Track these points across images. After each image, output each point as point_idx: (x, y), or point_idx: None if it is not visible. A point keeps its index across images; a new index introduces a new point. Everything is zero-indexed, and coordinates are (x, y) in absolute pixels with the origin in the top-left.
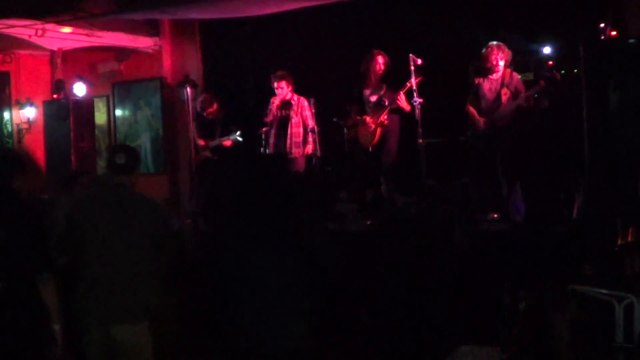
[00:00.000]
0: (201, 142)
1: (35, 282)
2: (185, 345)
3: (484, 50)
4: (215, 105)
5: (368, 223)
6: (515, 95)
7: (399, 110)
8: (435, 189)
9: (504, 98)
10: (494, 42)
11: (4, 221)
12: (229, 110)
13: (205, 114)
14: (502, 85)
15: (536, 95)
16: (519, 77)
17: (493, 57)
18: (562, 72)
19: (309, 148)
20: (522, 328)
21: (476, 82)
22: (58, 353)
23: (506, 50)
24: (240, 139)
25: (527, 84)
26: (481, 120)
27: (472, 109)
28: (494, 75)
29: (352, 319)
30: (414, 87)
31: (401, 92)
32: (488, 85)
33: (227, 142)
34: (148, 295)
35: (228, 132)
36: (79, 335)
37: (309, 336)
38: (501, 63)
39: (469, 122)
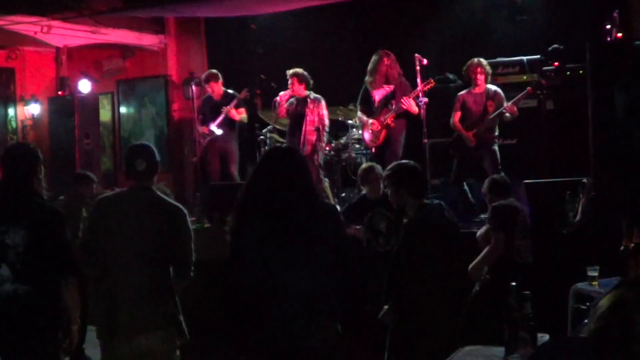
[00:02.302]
0: (205, 130)
1: (59, 286)
2: (210, 346)
3: (466, 66)
4: (220, 82)
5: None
6: (498, 107)
7: (406, 112)
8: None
9: (490, 110)
10: (475, 59)
11: (27, 224)
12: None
13: (211, 91)
14: (487, 97)
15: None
16: (500, 91)
17: (474, 72)
18: (567, 73)
19: (320, 146)
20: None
21: (460, 98)
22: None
23: (485, 65)
24: (247, 94)
25: (518, 88)
26: (470, 135)
27: (459, 125)
28: (477, 89)
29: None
30: (422, 94)
31: (407, 98)
32: (472, 98)
33: (232, 109)
34: (170, 302)
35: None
36: (102, 343)
37: (334, 335)
38: (481, 77)
39: (454, 134)
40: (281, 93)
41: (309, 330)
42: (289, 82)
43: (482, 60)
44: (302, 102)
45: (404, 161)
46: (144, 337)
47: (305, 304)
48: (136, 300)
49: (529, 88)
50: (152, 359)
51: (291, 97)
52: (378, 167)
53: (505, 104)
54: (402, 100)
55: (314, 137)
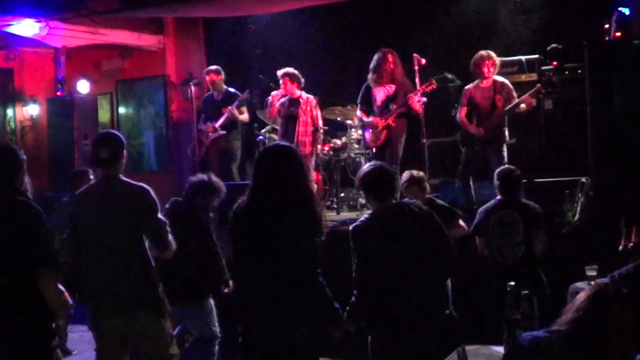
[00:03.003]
0: (210, 129)
1: (34, 277)
2: None
3: (473, 59)
4: (221, 77)
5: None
6: (507, 101)
7: (407, 112)
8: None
9: (498, 104)
10: (484, 51)
11: (4, 223)
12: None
13: (212, 87)
14: (495, 92)
15: (539, 96)
16: (508, 82)
17: (483, 65)
18: (566, 72)
19: (317, 147)
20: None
21: (467, 93)
22: (61, 347)
23: (495, 58)
24: (248, 95)
25: (527, 88)
26: (480, 130)
27: (465, 120)
28: (484, 82)
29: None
30: (421, 94)
31: (411, 95)
32: (480, 93)
33: (235, 109)
34: (146, 282)
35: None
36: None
37: (312, 333)
38: (491, 70)
39: (461, 130)
40: (273, 93)
41: (292, 329)
42: (281, 82)
43: (490, 52)
44: (295, 102)
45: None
46: (122, 317)
47: (287, 303)
48: (111, 283)
49: (539, 85)
50: (138, 339)
51: (283, 96)
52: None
53: (515, 96)
54: (410, 96)
55: (307, 138)
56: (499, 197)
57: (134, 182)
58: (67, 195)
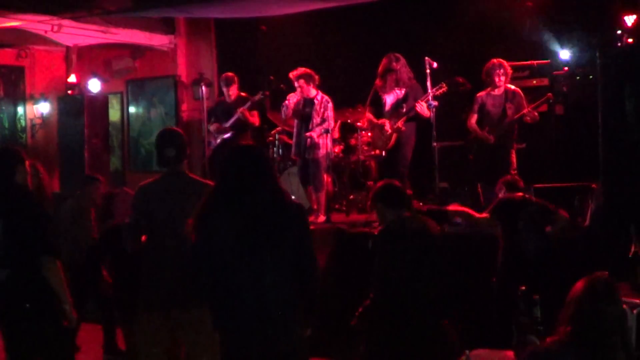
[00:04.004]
0: (220, 127)
1: (39, 266)
2: None
3: (485, 67)
4: (235, 84)
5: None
6: (518, 109)
7: (417, 116)
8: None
9: (509, 112)
10: (495, 60)
11: (2, 212)
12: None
13: (228, 91)
14: (506, 99)
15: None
16: (520, 91)
17: (495, 73)
18: (577, 78)
19: (327, 148)
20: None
21: (478, 99)
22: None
23: (506, 66)
24: (261, 96)
25: (537, 93)
26: (490, 137)
27: (475, 126)
28: (496, 90)
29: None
30: (431, 97)
31: (420, 101)
32: (491, 101)
33: (246, 110)
34: None
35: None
36: (137, 318)
37: (302, 339)
38: (502, 79)
39: (471, 136)
40: (290, 96)
41: (277, 333)
42: (296, 84)
43: (502, 60)
44: (309, 103)
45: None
46: (178, 312)
47: (272, 306)
48: (173, 276)
49: (549, 94)
50: (187, 335)
51: (301, 99)
52: None
53: (525, 105)
54: (416, 103)
55: (320, 139)
56: None
57: (200, 179)
58: (72, 198)
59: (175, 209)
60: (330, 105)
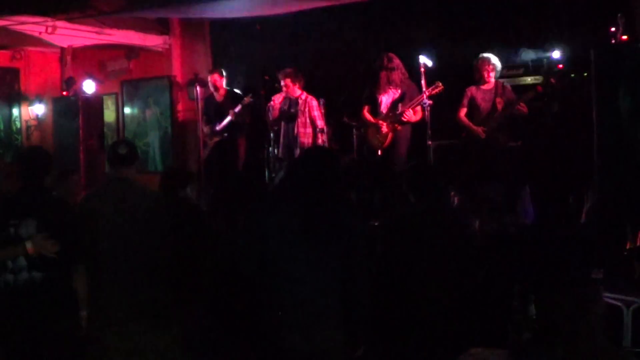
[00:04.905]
0: (217, 128)
1: (70, 273)
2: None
3: (474, 62)
4: (223, 78)
5: (375, 224)
6: (508, 103)
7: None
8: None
9: (499, 107)
10: (484, 55)
11: (37, 215)
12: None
13: (216, 90)
14: (496, 94)
15: (545, 99)
16: (509, 86)
17: (483, 69)
18: (572, 75)
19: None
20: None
21: (468, 93)
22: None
23: (496, 62)
24: (251, 100)
25: (525, 88)
26: (480, 130)
27: (466, 120)
28: (486, 85)
29: None
30: (426, 96)
31: (407, 110)
32: (481, 95)
33: (237, 109)
34: (160, 292)
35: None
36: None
37: (340, 338)
38: (492, 74)
39: (463, 131)
40: (274, 97)
41: (317, 333)
42: (282, 83)
43: (490, 55)
44: (294, 102)
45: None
46: (133, 326)
47: (316, 306)
48: (125, 289)
49: (538, 86)
50: (144, 350)
51: (285, 98)
52: None
53: (515, 100)
54: (405, 111)
55: (307, 139)
56: None
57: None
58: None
59: (122, 217)
60: (315, 104)
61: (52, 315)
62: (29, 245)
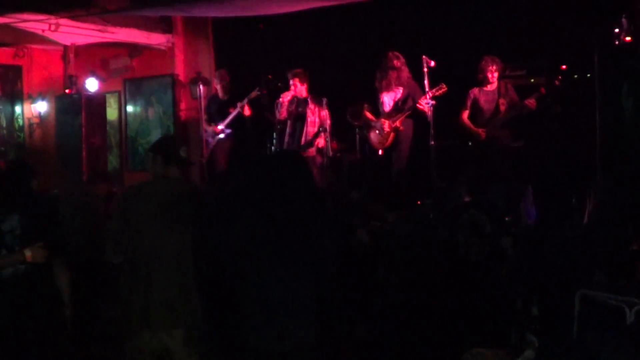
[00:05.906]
0: (217, 129)
1: (51, 267)
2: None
3: (478, 63)
4: (228, 79)
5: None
6: (511, 104)
7: (414, 114)
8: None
9: (502, 108)
10: (488, 57)
11: (20, 210)
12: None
13: (221, 88)
14: (499, 95)
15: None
16: (513, 88)
17: (487, 69)
18: (575, 76)
19: (321, 142)
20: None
21: (471, 95)
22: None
23: (499, 62)
24: (258, 92)
25: (528, 89)
26: (480, 131)
27: (467, 121)
28: (489, 87)
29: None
30: (430, 97)
31: (420, 100)
32: (484, 97)
33: (246, 105)
34: (195, 300)
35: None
36: (123, 338)
37: (312, 337)
38: (495, 75)
39: (464, 134)
40: (283, 94)
41: (289, 333)
42: (290, 82)
43: (494, 57)
44: (303, 102)
45: None
46: (166, 334)
47: (289, 304)
48: (166, 295)
49: (541, 88)
50: (170, 357)
51: (293, 97)
52: None
53: (518, 101)
54: (419, 102)
55: (316, 139)
56: None
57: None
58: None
59: (171, 217)
60: (324, 104)
61: (37, 306)
62: (27, 254)
